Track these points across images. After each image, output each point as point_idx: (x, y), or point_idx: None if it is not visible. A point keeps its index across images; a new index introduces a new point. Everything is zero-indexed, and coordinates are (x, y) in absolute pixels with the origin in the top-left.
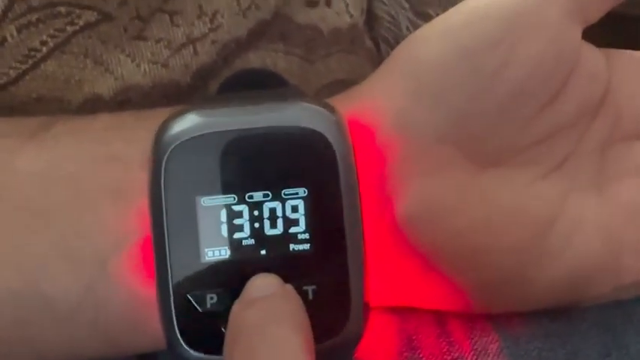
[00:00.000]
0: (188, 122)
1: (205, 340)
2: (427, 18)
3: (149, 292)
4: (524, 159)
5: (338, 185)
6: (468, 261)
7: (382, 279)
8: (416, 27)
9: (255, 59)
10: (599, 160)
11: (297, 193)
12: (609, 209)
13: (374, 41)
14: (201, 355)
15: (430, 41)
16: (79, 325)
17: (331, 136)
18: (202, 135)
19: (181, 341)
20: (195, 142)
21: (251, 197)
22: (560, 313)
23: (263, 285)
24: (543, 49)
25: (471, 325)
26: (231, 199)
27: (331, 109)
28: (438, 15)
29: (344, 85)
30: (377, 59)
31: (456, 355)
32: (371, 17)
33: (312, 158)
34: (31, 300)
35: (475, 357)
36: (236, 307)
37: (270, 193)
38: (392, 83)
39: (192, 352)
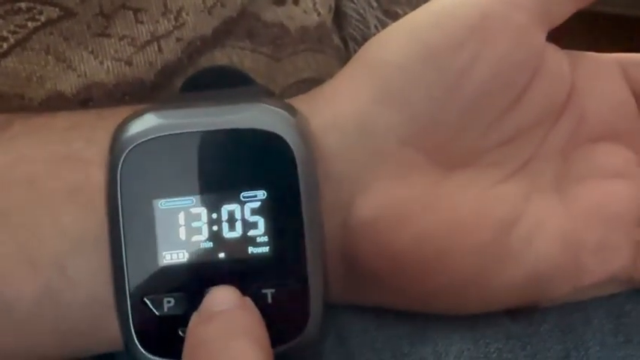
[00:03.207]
0: (145, 123)
1: (162, 344)
2: (395, 17)
3: (107, 294)
4: (487, 161)
5: (297, 188)
6: (431, 263)
7: (348, 279)
8: (384, 26)
9: (221, 57)
10: (561, 162)
11: (255, 196)
12: (570, 211)
13: (342, 40)
14: (158, 359)
15: (396, 41)
16: (38, 328)
17: (290, 139)
18: (159, 137)
19: (138, 345)
20: (152, 143)
21: (209, 200)
22: (521, 315)
23: (222, 298)
24: (508, 51)
25: (430, 325)
26: (189, 201)
27: (292, 111)
28: (404, 15)
29: (311, 84)
30: (345, 58)
31: (417, 356)
32: (339, 15)
33: (271, 161)
34: None
35: (436, 358)
36: (195, 319)
37: (228, 196)
38: (355, 84)
39: (149, 355)
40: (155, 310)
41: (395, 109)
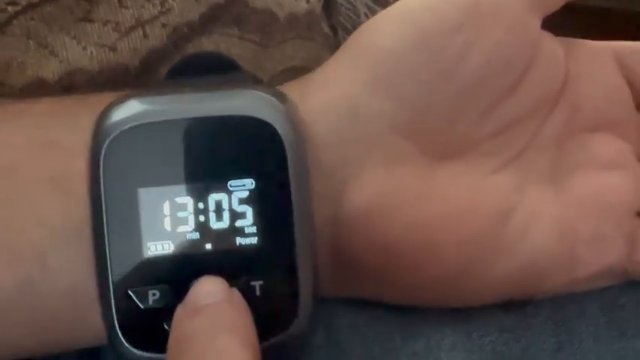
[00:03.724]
0: (129, 110)
1: (147, 338)
2: (385, 5)
3: (90, 286)
4: (481, 151)
5: (286, 176)
6: (424, 254)
7: (338, 271)
8: (374, 13)
9: (208, 44)
10: (556, 152)
11: (244, 185)
12: (565, 202)
13: (332, 28)
14: (142, 352)
15: (387, 26)
16: (16, 319)
17: (279, 126)
18: (144, 124)
19: (122, 338)
20: (136, 130)
21: (196, 189)
22: (515, 308)
23: (209, 290)
24: (503, 37)
25: (422, 318)
26: (174, 191)
27: (282, 98)
28: (394, 2)
29: (300, 72)
30: (334, 46)
31: (409, 350)
32: (329, 3)
33: (260, 149)
34: None
35: (428, 352)
36: (180, 312)
37: (215, 185)
38: (346, 71)
39: (133, 349)
40: (139, 303)
41: (386, 94)
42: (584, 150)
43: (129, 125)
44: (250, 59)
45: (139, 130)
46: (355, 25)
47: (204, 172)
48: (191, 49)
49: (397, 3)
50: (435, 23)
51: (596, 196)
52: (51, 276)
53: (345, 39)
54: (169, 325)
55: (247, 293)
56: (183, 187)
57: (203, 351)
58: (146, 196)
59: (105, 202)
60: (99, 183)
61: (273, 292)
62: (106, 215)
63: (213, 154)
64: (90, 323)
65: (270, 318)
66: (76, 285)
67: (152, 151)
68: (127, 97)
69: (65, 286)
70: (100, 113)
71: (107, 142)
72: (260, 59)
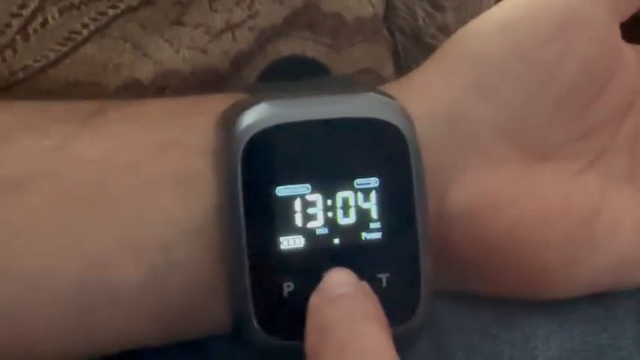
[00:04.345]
0: (263, 112)
1: (282, 326)
2: (441, 9)
3: (212, 279)
4: (567, 153)
5: (409, 175)
6: (521, 251)
7: (441, 266)
8: (431, 18)
9: (284, 47)
10: (630, 155)
11: (369, 183)
12: None
13: (389, 31)
14: (278, 340)
15: (487, 36)
16: (140, 313)
17: (403, 127)
18: (278, 125)
19: (258, 327)
20: (271, 131)
21: (325, 187)
22: (597, 300)
23: (342, 281)
24: (593, 45)
25: (517, 309)
26: (305, 188)
27: (397, 100)
28: (451, 7)
29: (367, 73)
30: (393, 49)
31: (507, 338)
32: (387, 7)
33: (384, 149)
34: (92, 288)
35: (526, 340)
36: (317, 300)
37: (343, 183)
38: (447, 75)
39: (269, 337)
40: (274, 294)
41: (487, 100)
42: None
43: (265, 126)
44: (323, 61)
45: (274, 131)
46: (413, 29)
47: (333, 171)
48: (271, 51)
49: (492, 12)
50: (530, 33)
51: None
52: (175, 270)
53: (402, 42)
54: (303, 314)
55: (374, 285)
56: (313, 185)
57: (346, 338)
58: (279, 193)
59: (242, 199)
60: (236, 181)
61: (397, 284)
62: (244, 212)
63: (342, 153)
64: (206, 316)
65: (394, 309)
66: (199, 278)
67: (285, 151)
68: (256, 100)
69: (189, 279)
70: (228, 115)
71: (245, 142)
72: (332, 62)
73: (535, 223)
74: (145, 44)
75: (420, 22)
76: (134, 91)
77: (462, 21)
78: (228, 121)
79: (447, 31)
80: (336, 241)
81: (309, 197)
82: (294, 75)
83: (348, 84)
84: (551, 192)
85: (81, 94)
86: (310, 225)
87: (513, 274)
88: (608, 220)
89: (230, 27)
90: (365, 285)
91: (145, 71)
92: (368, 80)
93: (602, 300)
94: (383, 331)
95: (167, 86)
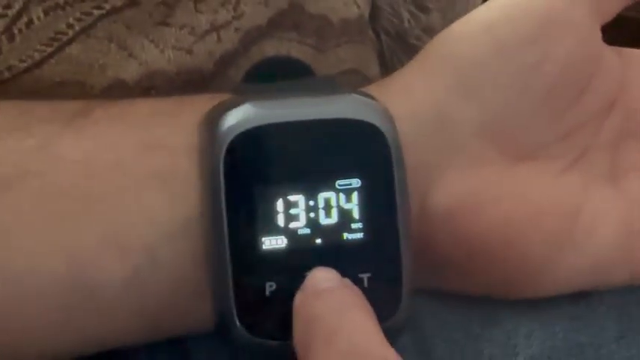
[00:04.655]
0: (246, 113)
1: (264, 326)
2: (426, 11)
3: (196, 279)
4: (549, 153)
5: (391, 176)
6: (503, 251)
7: (422, 265)
8: (416, 19)
9: (269, 48)
10: (612, 156)
11: (350, 184)
12: (624, 201)
13: (374, 32)
14: (260, 339)
15: (469, 37)
16: (125, 313)
17: (384, 128)
18: (261, 126)
19: (241, 327)
20: (254, 132)
21: (307, 188)
22: (579, 298)
23: (326, 277)
24: (574, 46)
25: (498, 308)
26: (287, 189)
27: (379, 102)
28: (436, 9)
29: (352, 75)
30: (379, 50)
31: (488, 336)
32: (372, 8)
33: (366, 149)
34: (77, 287)
35: (507, 339)
36: (301, 297)
37: (325, 184)
38: (431, 78)
39: (252, 337)
40: (257, 294)
41: (469, 101)
42: (638, 153)
43: (248, 127)
44: (309, 62)
45: (257, 131)
46: (398, 30)
47: (315, 171)
48: (255, 52)
49: (477, 11)
50: (512, 35)
51: None
52: (159, 270)
53: (388, 43)
54: (286, 314)
55: (356, 284)
56: (295, 186)
57: (334, 327)
58: (261, 194)
59: (225, 200)
60: (219, 181)
61: (379, 284)
62: (226, 212)
63: (323, 154)
64: (194, 314)
65: (376, 309)
66: (183, 279)
67: (267, 151)
68: (240, 101)
69: (172, 280)
70: (213, 115)
71: (228, 142)
72: (316, 63)
73: (517, 222)
74: (131, 45)
75: (406, 23)
76: (119, 91)
77: (448, 22)
78: (211, 121)
79: (431, 33)
80: (318, 241)
81: (292, 198)
82: (279, 76)
83: (332, 85)
84: (533, 191)
85: (66, 95)
86: (292, 225)
87: (496, 273)
88: (589, 220)
89: (215, 28)
90: (348, 281)
91: (130, 72)
92: (353, 81)
93: (583, 298)
94: (370, 318)
95: (152, 87)
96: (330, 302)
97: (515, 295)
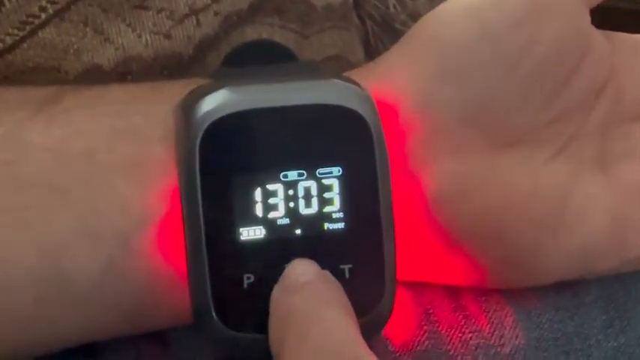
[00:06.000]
0: (224, 98)
1: (241, 319)
2: None
3: (171, 269)
4: (536, 139)
5: (374, 164)
6: (489, 239)
7: (404, 255)
8: (402, 4)
9: (251, 33)
10: (601, 142)
11: (331, 172)
12: (613, 188)
13: (359, 18)
14: (237, 333)
15: (453, 19)
16: (100, 303)
17: (366, 114)
18: (238, 112)
19: (217, 320)
20: (231, 118)
21: (286, 176)
22: (566, 288)
23: (304, 270)
24: (562, 30)
25: (483, 299)
26: (265, 178)
27: (362, 87)
28: None
29: (337, 60)
30: (364, 35)
31: (474, 327)
32: None
33: (348, 137)
34: (50, 277)
35: (492, 329)
36: (278, 291)
37: (305, 173)
38: (414, 62)
39: (229, 330)
40: (234, 286)
41: (453, 85)
42: (627, 140)
43: (224, 113)
44: (291, 48)
45: (234, 118)
46: (383, 16)
47: (294, 159)
48: (236, 37)
49: None
50: (499, 18)
51: None
52: (134, 260)
53: (373, 29)
54: (263, 307)
55: (336, 276)
56: (274, 175)
57: (309, 323)
58: (239, 183)
59: (200, 189)
60: (194, 170)
61: (360, 275)
62: (202, 202)
63: (303, 142)
64: (168, 306)
65: (358, 300)
66: (158, 269)
67: (245, 138)
68: (217, 86)
69: (147, 270)
70: (188, 101)
71: (204, 129)
72: (300, 48)
73: (505, 210)
74: (107, 29)
75: (391, 8)
76: (95, 77)
77: (435, 7)
78: (187, 107)
79: (418, 18)
80: (298, 231)
81: (270, 187)
82: (260, 60)
83: (315, 70)
84: (520, 179)
85: (40, 80)
86: (271, 215)
87: (482, 262)
88: (576, 208)
89: (194, 11)
90: (327, 273)
91: (106, 57)
92: (337, 67)
93: (570, 287)
94: (346, 315)
95: (129, 72)
96: (306, 297)
97: (500, 285)
